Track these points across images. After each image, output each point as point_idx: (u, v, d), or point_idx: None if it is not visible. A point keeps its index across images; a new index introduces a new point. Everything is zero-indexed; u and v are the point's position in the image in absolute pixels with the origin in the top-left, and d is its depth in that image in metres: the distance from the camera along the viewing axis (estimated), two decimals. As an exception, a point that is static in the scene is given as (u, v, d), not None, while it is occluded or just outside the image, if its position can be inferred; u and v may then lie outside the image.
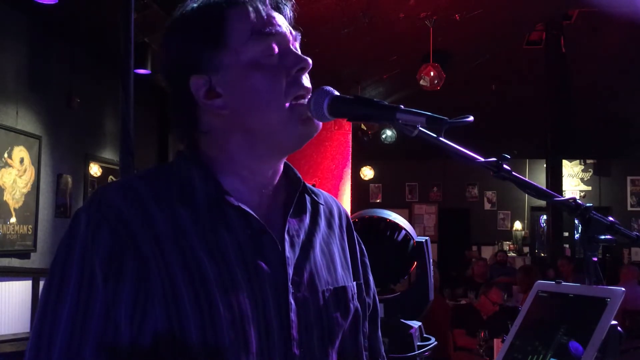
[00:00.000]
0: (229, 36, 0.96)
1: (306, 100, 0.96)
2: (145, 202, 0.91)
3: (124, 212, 0.89)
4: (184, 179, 0.96)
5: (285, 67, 0.96)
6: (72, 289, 0.86)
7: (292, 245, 0.98)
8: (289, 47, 0.99)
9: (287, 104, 0.95)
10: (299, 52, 1.00)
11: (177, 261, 0.88)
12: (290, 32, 1.01)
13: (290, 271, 0.96)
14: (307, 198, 1.06)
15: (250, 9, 0.97)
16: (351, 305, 1.03)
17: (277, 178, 1.03)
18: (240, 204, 0.94)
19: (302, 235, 1.01)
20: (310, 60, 0.98)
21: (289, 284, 0.95)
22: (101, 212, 0.89)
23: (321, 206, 1.08)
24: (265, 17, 0.98)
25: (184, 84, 0.97)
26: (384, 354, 1.18)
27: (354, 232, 1.15)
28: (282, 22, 1.00)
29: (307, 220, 1.04)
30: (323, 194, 1.13)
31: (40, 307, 0.88)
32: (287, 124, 0.95)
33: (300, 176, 1.05)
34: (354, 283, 1.07)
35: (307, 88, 0.97)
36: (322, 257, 1.02)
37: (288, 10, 1.04)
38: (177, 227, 0.91)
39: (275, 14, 1.00)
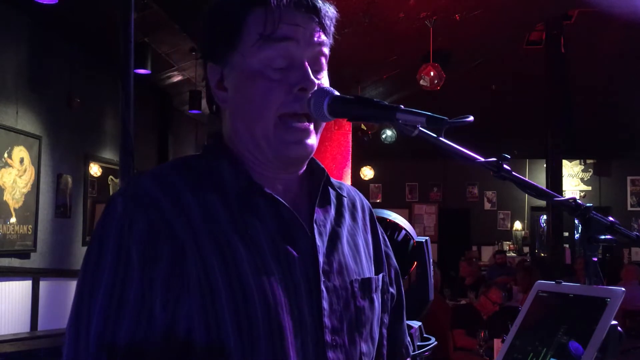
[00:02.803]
0: (241, 39, 0.95)
1: (299, 124, 0.95)
2: (179, 189, 0.93)
3: (159, 199, 0.91)
4: (214, 169, 0.97)
5: (288, 82, 0.94)
6: (108, 275, 0.87)
7: (320, 234, 0.99)
8: (300, 61, 0.95)
9: (275, 119, 0.94)
10: (309, 73, 0.95)
11: (211, 247, 0.89)
12: (311, 40, 0.96)
13: (321, 259, 0.97)
14: (331, 191, 1.07)
15: (266, 10, 0.94)
16: (375, 297, 1.05)
17: (301, 172, 1.03)
18: (271, 192, 0.95)
19: (328, 226, 1.02)
20: (315, 83, 0.95)
21: (320, 272, 0.96)
22: (137, 199, 0.90)
23: (344, 199, 1.09)
24: (281, 20, 0.93)
25: (206, 68, 1.00)
26: (407, 343, 1.19)
27: (377, 223, 1.16)
28: (300, 30, 0.95)
29: (332, 211, 1.05)
30: (345, 186, 1.13)
31: (77, 292, 0.89)
32: (270, 142, 0.95)
33: (323, 167, 1.05)
34: (379, 276, 1.08)
35: (305, 108, 0.95)
36: (348, 248, 1.04)
37: (325, 10, 0.98)
38: (210, 214, 0.92)
39: (300, 17, 0.95)
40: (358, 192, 1.17)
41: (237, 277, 0.89)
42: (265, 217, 0.95)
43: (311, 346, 0.93)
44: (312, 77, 0.95)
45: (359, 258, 1.05)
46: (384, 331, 1.12)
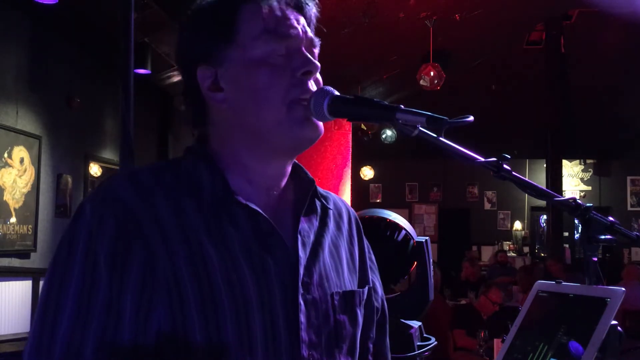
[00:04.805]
0: (238, 32, 0.95)
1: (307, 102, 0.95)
2: (152, 193, 0.90)
3: (130, 202, 0.88)
4: (192, 175, 0.95)
5: (291, 68, 0.94)
6: (76, 279, 0.85)
7: (304, 245, 0.97)
8: (299, 48, 0.96)
9: (286, 105, 0.93)
10: (310, 56, 0.96)
11: (183, 254, 0.87)
12: (306, 35, 0.98)
13: (302, 271, 0.94)
14: (317, 201, 1.04)
15: (265, 6, 0.95)
16: (358, 311, 1.02)
17: (286, 179, 1.02)
18: (248, 203, 0.93)
19: (312, 236, 1.00)
20: (318, 65, 0.97)
21: (299, 284, 0.93)
22: (107, 202, 0.88)
23: (330, 210, 1.07)
24: (280, 16, 0.95)
25: (194, 74, 0.97)
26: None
27: (364, 237, 1.14)
28: (298, 25, 0.97)
29: (316, 221, 1.03)
30: (332, 197, 1.11)
31: (42, 295, 0.87)
32: (284, 125, 0.93)
33: (312, 178, 1.04)
34: (364, 289, 1.05)
35: (310, 92, 0.95)
36: (330, 260, 1.01)
37: (311, 10, 1.01)
38: (184, 221, 0.90)
39: (293, 14, 0.97)
40: (345, 202, 1.14)
41: (209, 288, 0.86)
42: (242, 226, 0.92)
43: None
44: (313, 59, 0.96)
45: (341, 270, 1.03)
46: (370, 346, 1.09)
